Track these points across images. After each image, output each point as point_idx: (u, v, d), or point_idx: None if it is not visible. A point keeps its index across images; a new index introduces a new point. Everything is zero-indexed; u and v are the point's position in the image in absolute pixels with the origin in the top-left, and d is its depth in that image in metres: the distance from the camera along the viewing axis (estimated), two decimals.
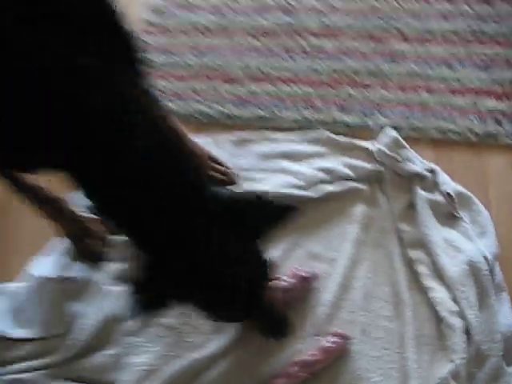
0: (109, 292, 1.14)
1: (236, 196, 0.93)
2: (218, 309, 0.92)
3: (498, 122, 1.29)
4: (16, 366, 1.09)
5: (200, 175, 0.90)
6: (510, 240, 1.14)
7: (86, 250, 1.22)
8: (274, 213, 0.91)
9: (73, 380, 1.08)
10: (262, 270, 0.92)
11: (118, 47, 0.83)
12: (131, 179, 0.76)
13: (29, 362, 1.09)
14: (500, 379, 1.01)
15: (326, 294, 1.12)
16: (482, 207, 1.18)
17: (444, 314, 1.06)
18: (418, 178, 1.21)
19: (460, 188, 1.20)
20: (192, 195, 0.81)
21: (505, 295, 1.10)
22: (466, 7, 1.48)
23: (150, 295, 0.85)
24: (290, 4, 1.56)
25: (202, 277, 0.83)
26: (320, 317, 1.09)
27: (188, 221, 0.79)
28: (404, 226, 1.18)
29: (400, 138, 1.25)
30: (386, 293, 1.12)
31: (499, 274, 1.11)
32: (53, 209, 1.18)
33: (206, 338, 1.09)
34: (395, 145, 1.24)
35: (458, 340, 1.02)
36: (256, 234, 0.90)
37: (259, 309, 0.99)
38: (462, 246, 1.13)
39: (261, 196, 0.90)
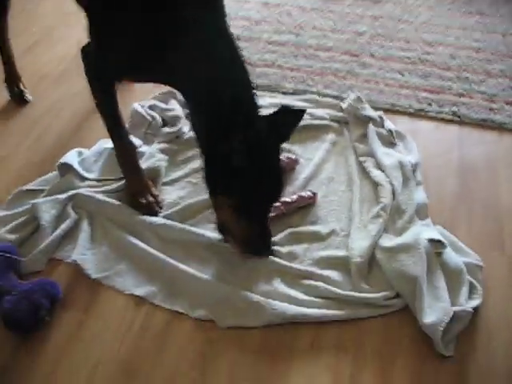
0: None
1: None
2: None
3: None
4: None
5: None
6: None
7: (144, 205, 1.53)
8: (293, 117, 1.34)
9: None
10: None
11: None
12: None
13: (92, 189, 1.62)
14: (412, 226, 1.52)
15: (302, 174, 1.68)
16: (410, 139, 1.78)
17: (380, 183, 1.61)
18: (370, 120, 1.81)
19: (399, 128, 1.82)
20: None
21: (420, 187, 1.65)
22: None
23: None
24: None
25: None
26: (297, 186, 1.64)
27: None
28: (358, 145, 1.76)
29: (360, 96, 1.88)
30: (342, 177, 1.68)
31: (419, 175, 1.67)
32: (130, 156, 1.55)
33: None
34: (357, 100, 1.87)
35: (386, 194, 1.57)
36: (285, 136, 1.33)
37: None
38: (395, 154, 1.71)
39: (285, 105, 1.35)
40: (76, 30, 2.11)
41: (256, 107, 1.31)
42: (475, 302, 1.33)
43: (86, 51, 1.44)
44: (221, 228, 1.42)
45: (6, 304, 1.28)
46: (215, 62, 1.26)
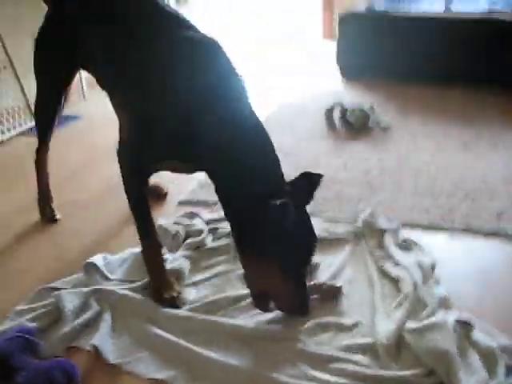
0: None
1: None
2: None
3: None
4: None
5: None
6: None
7: (167, 300, 1.55)
8: (315, 179, 1.45)
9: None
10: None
11: None
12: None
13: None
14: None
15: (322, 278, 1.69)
16: (425, 246, 1.82)
17: (400, 277, 1.62)
18: (386, 230, 1.88)
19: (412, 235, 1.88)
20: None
21: (440, 285, 1.65)
22: None
23: None
24: None
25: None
26: None
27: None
28: (375, 251, 1.80)
29: (373, 213, 1.97)
30: (362, 279, 1.69)
31: (436, 275, 1.68)
32: (156, 254, 1.61)
33: None
34: (371, 214, 1.96)
35: (407, 286, 1.56)
36: (310, 197, 1.45)
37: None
38: (412, 256, 1.74)
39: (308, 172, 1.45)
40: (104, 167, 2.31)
41: (282, 174, 1.42)
42: None
43: (119, 150, 1.58)
44: (258, 297, 1.45)
45: (20, 378, 1.23)
46: (242, 143, 1.38)
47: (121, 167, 1.57)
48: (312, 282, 1.59)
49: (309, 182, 1.44)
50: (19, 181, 2.40)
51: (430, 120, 3.13)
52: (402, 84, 3.85)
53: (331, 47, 4.20)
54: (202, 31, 1.56)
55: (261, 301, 1.45)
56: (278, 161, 1.42)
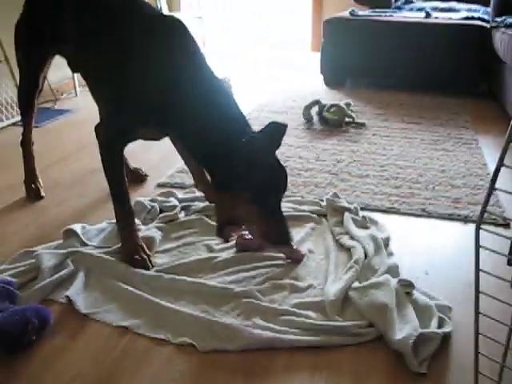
0: None
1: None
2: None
3: None
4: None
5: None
6: None
7: (137, 261, 1.68)
8: (281, 128, 1.59)
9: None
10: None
11: None
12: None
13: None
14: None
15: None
16: (382, 224, 1.96)
17: (353, 246, 1.76)
18: (346, 209, 2.02)
19: (371, 215, 2.02)
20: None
21: (392, 256, 1.79)
22: None
23: None
24: None
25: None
26: None
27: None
28: (335, 228, 1.94)
29: (337, 193, 2.11)
30: (320, 251, 1.82)
31: (390, 249, 1.82)
32: (129, 219, 1.73)
33: None
34: (334, 195, 2.10)
35: (358, 253, 1.71)
36: (278, 143, 1.60)
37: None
38: (368, 231, 1.88)
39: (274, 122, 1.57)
40: (90, 154, 2.45)
41: (248, 124, 1.59)
42: (445, 329, 1.40)
43: (98, 126, 1.73)
44: (221, 229, 1.60)
45: None
46: (209, 102, 1.55)
47: (99, 140, 1.72)
48: None
49: (275, 130, 1.57)
50: (10, 164, 2.53)
51: (404, 121, 3.30)
52: (382, 90, 4.05)
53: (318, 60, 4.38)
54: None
55: (223, 231, 1.61)
56: (242, 115, 1.60)
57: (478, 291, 0.93)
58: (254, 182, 1.50)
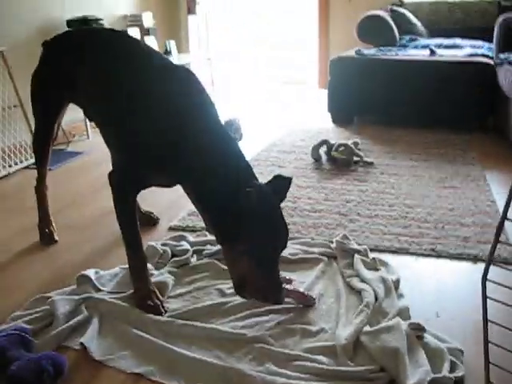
0: None
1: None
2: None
3: None
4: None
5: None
6: None
7: (150, 307, 1.69)
8: (286, 182, 1.62)
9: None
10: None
11: None
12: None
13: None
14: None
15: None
16: (391, 266, 1.97)
17: (363, 289, 1.77)
18: (356, 251, 2.04)
19: (381, 258, 2.03)
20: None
21: (403, 299, 1.80)
22: None
23: None
24: None
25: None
26: None
27: None
28: (345, 270, 1.95)
29: (347, 235, 2.14)
30: (331, 294, 1.83)
31: (400, 291, 1.83)
32: (141, 265, 1.76)
33: None
34: (344, 237, 2.12)
35: (369, 296, 1.72)
36: (282, 196, 1.61)
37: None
38: (378, 274, 1.90)
39: (279, 175, 1.62)
40: (102, 196, 2.49)
41: (253, 174, 1.61)
42: (457, 374, 1.40)
43: (111, 173, 1.77)
44: (238, 284, 1.58)
45: (13, 366, 1.38)
46: (216, 153, 1.59)
47: (112, 188, 1.76)
48: (291, 287, 1.74)
49: (280, 183, 1.60)
50: (24, 208, 2.58)
51: (412, 158, 3.33)
52: (389, 127, 4.09)
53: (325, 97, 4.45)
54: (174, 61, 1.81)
55: (241, 288, 1.58)
56: (249, 165, 1.63)
57: (486, 341, 0.94)
58: (249, 233, 1.51)
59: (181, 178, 1.66)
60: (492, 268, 0.90)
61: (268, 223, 1.53)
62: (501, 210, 2.47)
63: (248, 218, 1.49)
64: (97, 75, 1.86)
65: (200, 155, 1.58)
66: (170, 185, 1.80)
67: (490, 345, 0.92)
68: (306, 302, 1.75)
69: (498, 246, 0.89)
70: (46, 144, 2.22)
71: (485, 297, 0.88)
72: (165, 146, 1.62)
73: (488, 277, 0.90)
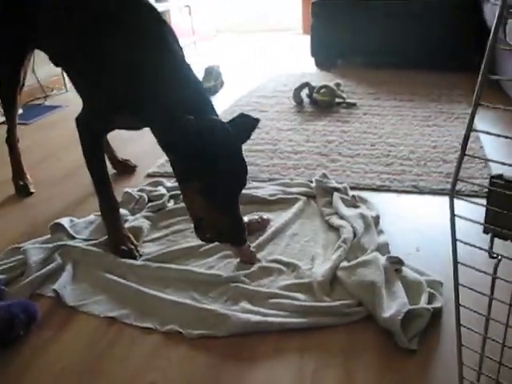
0: None
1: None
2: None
3: None
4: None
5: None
6: None
7: (124, 251, 1.67)
8: (251, 122, 1.52)
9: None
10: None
11: None
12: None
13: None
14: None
15: (269, 230, 1.81)
16: (372, 203, 1.94)
17: (342, 225, 1.74)
18: (336, 189, 2.00)
19: (362, 195, 1.99)
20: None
21: (382, 235, 1.77)
22: None
23: None
24: None
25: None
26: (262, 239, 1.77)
27: None
28: (324, 209, 1.92)
29: (326, 173, 2.10)
30: (306, 233, 1.80)
31: (380, 227, 1.80)
32: (113, 211, 1.72)
33: None
34: (323, 176, 2.08)
35: (347, 232, 1.69)
36: (246, 137, 1.50)
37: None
38: (357, 210, 1.86)
39: (244, 114, 1.53)
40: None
41: (214, 112, 1.52)
42: (435, 305, 1.38)
43: (78, 116, 1.71)
44: (197, 225, 1.50)
45: None
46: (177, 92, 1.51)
47: (79, 132, 1.69)
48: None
49: (245, 123, 1.51)
50: None
51: (396, 98, 3.26)
52: (374, 69, 4.00)
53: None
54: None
55: (200, 230, 1.50)
56: (210, 101, 1.54)
57: (456, 262, 0.91)
58: (205, 170, 1.40)
59: (143, 120, 1.59)
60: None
61: (223, 160, 1.41)
62: (485, 145, 2.43)
63: (201, 156, 1.39)
64: (60, 15, 1.76)
65: (161, 93, 1.50)
66: (137, 126, 1.74)
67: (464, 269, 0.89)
68: (248, 258, 1.65)
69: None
70: (12, 94, 2.13)
71: (453, 215, 0.84)
72: (125, 83, 1.54)
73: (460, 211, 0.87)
